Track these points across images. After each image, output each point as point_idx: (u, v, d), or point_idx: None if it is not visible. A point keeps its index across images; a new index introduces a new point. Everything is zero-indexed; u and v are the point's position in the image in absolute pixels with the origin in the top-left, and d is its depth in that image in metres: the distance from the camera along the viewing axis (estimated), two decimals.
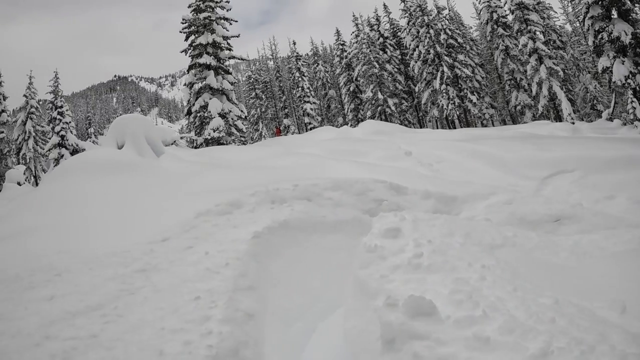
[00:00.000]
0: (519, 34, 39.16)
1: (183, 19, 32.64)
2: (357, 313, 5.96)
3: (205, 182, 12.69)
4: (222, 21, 33.35)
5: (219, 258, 7.01)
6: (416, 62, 45.89)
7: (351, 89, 54.10)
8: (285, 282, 7.45)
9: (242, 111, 32.06)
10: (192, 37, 32.80)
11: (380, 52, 50.35)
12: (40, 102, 43.61)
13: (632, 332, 4.43)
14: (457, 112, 43.46)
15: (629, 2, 28.57)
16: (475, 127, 44.44)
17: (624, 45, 27.84)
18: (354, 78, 53.07)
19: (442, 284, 5.40)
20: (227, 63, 33.14)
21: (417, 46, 45.89)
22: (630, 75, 27.57)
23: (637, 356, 3.66)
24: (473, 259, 6.40)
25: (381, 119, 46.06)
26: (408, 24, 47.94)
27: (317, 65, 62.22)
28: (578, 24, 48.56)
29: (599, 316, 4.93)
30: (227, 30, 33.36)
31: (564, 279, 6.26)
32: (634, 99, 26.60)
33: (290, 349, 6.01)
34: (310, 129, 51.87)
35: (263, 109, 62.09)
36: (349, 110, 54.07)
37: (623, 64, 27.75)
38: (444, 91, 43.03)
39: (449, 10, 52.24)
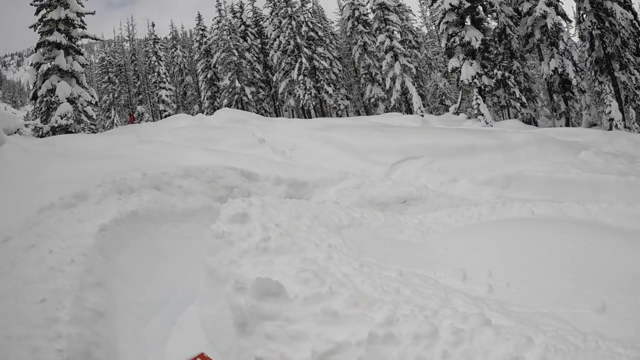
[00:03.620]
0: (378, 32, 41.07)
1: None
2: (210, 301, 5.96)
3: (51, 174, 11.56)
4: None
5: (64, 255, 6.53)
6: (276, 52, 45.96)
7: (209, 75, 52.87)
8: (136, 276, 7.18)
9: (92, 96, 29.79)
10: (44, 11, 29.73)
11: (241, 40, 49.78)
12: None
13: (472, 296, 4.75)
14: (314, 103, 44.25)
15: (482, 12, 32.18)
16: (331, 117, 45.35)
17: (474, 50, 31.10)
18: (212, 65, 51.89)
19: (290, 264, 5.49)
20: (79, 42, 30.46)
21: (278, 36, 45.96)
22: (477, 76, 30.83)
23: (477, 316, 3.98)
24: (320, 240, 6.62)
25: (238, 107, 45.48)
26: (271, 13, 47.79)
27: (175, 50, 59.93)
28: (433, 28, 52.84)
29: (442, 284, 5.29)
30: (82, 6, 30.49)
31: (408, 254, 6.60)
32: (479, 96, 29.26)
33: (147, 345, 5.83)
34: (165, 116, 49.80)
35: (116, 95, 58.47)
36: (206, 98, 52.80)
37: (471, 65, 30.96)
38: (301, 82, 43.56)
39: (313, 4, 52.85)
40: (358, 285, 4.97)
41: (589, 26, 30.03)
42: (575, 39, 37.09)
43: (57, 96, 27.60)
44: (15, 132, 23.01)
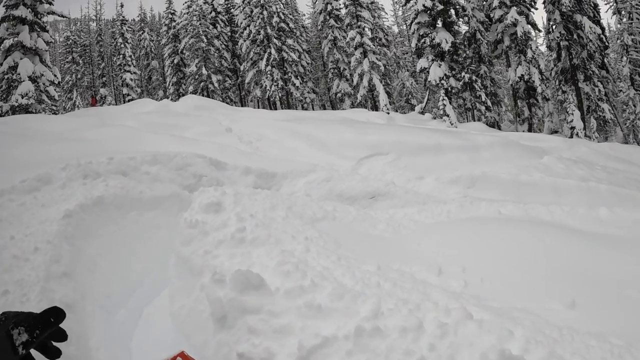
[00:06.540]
0: (349, 27, 41.30)
1: None
2: (184, 292, 5.77)
3: (12, 155, 11.07)
4: None
5: (27, 242, 6.14)
6: (245, 41, 45.67)
7: (175, 61, 52.14)
8: (104, 266, 6.83)
9: (55, 76, 28.97)
10: None
11: (211, 27, 49.23)
12: None
13: (449, 290, 4.88)
14: (280, 94, 44.26)
15: (454, 16, 33.18)
16: (296, 109, 45.36)
17: (443, 52, 31.90)
18: (179, 50, 51.18)
19: (268, 256, 5.40)
20: (44, 19, 29.71)
21: (249, 25, 45.64)
22: (445, 77, 31.64)
23: (459, 310, 4.02)
24: (296, 232, 6.58)
25: (203, 95, 45.03)
26: (243, 2, 47.42)
27: (142, 33, 58.86)
28: (404, 27, 54.44)
29: (418, 278, 5.35)
30: None
31: (383, 248, 6.68)
32: (445, 97, 30.13)
33: (117, 339, 5.51)
34: (129, 100, 48.87)
35: (79, 76, 56.88)
36: (171, 84, 52.11)
37: (440, 67, 31.81)
38: (269, 72, 43.44)
39: None
40: (339, 279, 4.95)
41: (558, 37, 31.10)
42: (543, 48, 38.47)
43: (19, 74, 26.80)
44: None
